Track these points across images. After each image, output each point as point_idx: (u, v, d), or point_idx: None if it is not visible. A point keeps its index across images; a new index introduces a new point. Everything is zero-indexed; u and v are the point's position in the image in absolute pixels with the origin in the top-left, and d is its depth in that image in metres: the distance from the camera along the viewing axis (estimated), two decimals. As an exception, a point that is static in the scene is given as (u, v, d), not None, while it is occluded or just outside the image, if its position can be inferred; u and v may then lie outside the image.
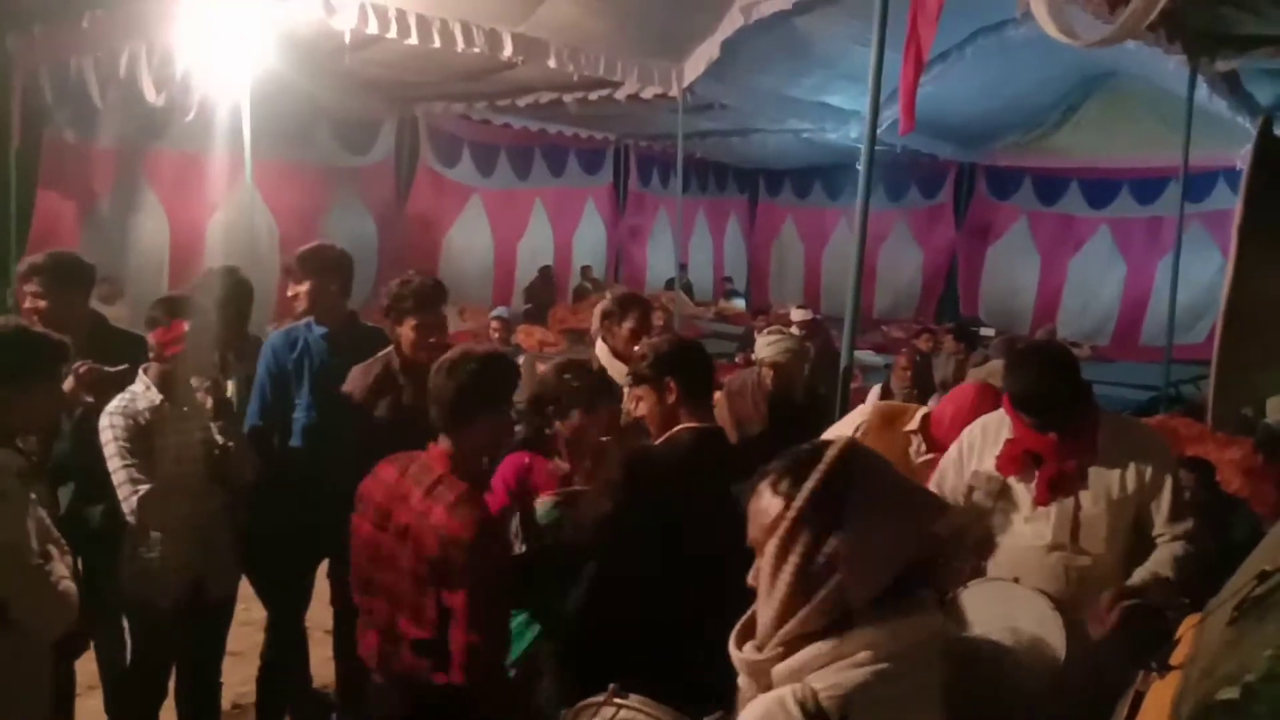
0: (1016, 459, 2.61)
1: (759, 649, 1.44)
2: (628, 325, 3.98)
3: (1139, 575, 2.45)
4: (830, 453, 1.43)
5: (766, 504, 1.43)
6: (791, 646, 1.39)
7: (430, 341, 3.38)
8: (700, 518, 2.37)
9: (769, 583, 1.40)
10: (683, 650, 2.23)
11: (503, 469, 3.09)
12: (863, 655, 1.35)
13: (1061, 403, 2.56)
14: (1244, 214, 1.33)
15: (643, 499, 2.49)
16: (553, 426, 3.09)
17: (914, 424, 3.33)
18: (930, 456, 3.16)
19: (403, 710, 2.50)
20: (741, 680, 1.49)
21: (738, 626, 1.51)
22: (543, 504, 2.98)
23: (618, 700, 1.89)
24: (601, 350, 4.01)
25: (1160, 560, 2.48)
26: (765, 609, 1.42)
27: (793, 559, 1.37)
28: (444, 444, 2.47)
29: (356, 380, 3.48)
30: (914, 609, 1.40)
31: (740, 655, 1.46)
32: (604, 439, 3.05)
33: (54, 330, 2.75)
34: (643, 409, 2.65)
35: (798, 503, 1.39)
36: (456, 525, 2.31)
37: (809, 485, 1.39)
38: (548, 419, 3.10)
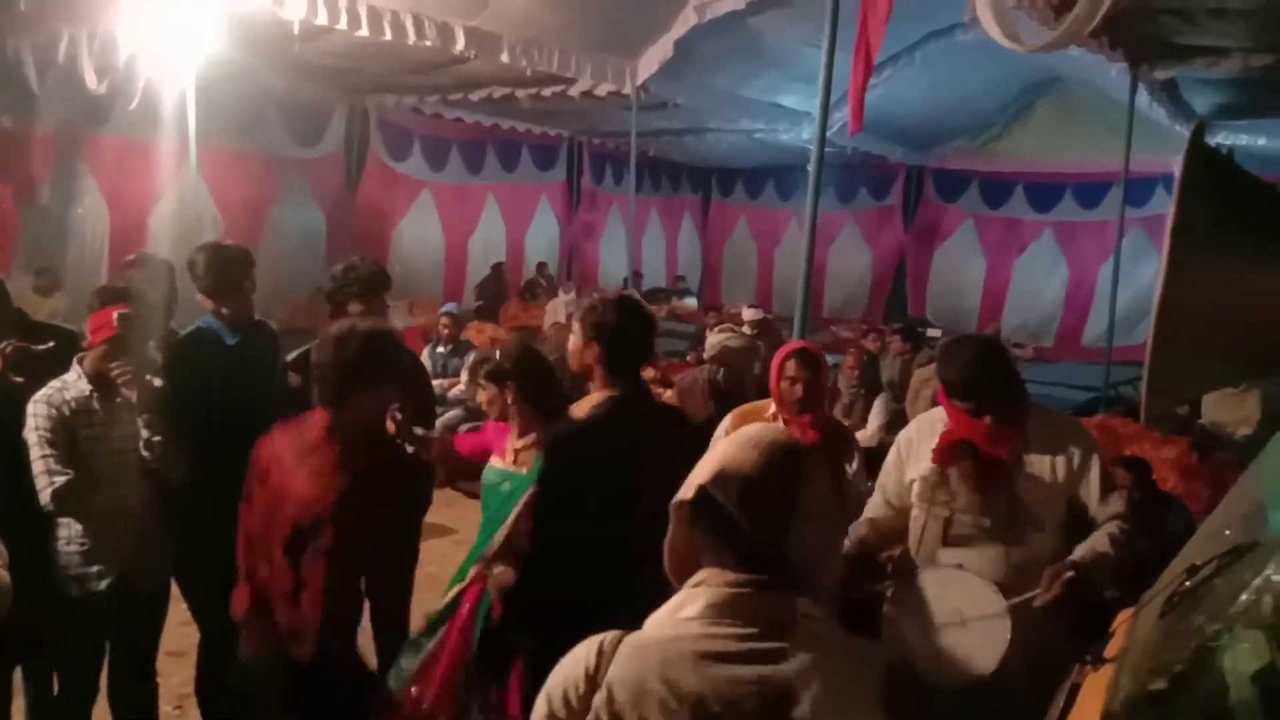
0: (953, 448, 2.66)
1: None
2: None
3: (1079, 551, 2.53)
4: None
5: None
6: None
7: None
8: (613, 485, 2.41)
9: None
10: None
11: (486, 428, 3.29)
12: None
13: (993, 385, 2.63)
14: (1177, 216, 1.37)
15: (558, 473, 2.53)
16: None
17: (769, 412, 3.44)
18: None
19: (265, 676, 2.53)
20: None
21: None
22: (488, 468, 3.12)
23: None
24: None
25: (1098, 539, 2.56)
26: None
27: None
28: (323, 414, 2.50)
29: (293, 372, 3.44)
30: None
31: None
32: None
33: None
34: (574, 360, 2.70)
35: None
36: (316, 493, 2.35)
37: None
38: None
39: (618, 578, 2.28)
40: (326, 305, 3.76)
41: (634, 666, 1.36)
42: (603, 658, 1.39)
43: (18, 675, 3.48)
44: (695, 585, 1.42)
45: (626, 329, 2.59)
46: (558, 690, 1.43)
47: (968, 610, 2.50)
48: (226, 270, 3.40)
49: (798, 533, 1.40)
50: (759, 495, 1.38)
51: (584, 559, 2.39)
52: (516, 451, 3.08)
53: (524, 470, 2.99)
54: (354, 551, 2.42)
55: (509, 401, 3.00)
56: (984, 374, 2.63)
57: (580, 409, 2.60)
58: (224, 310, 3.38)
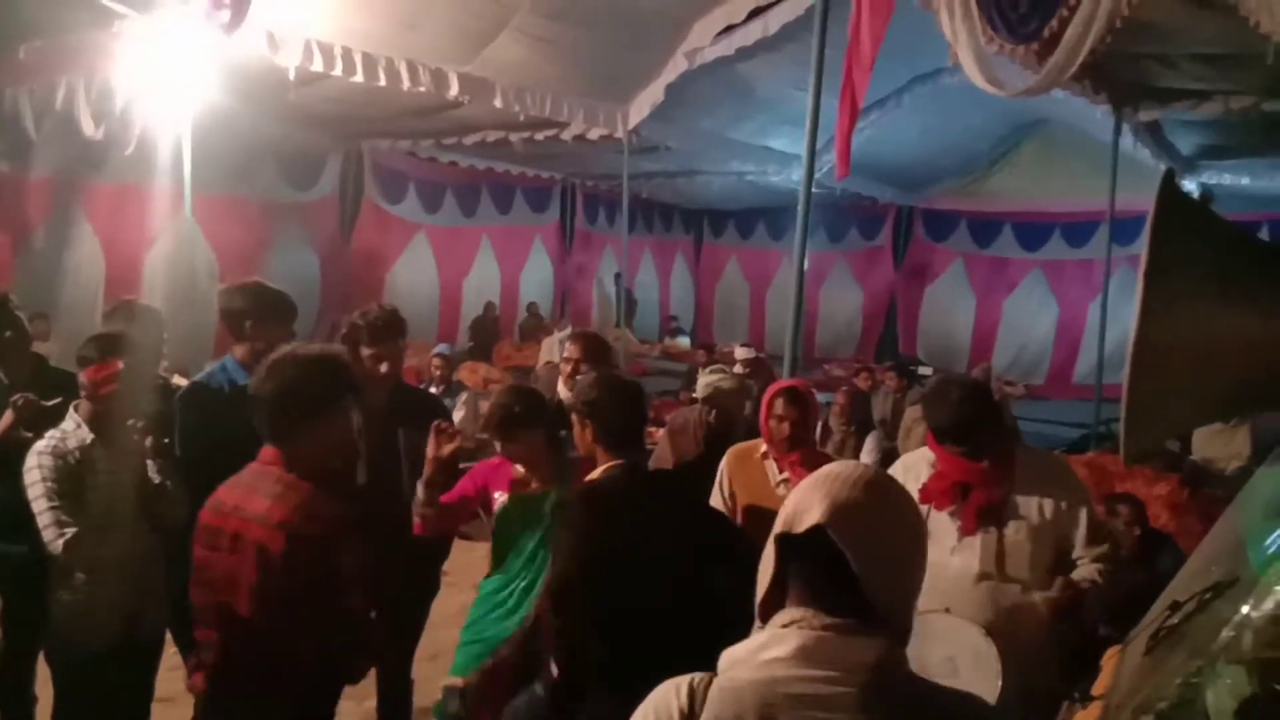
0: (946, 491, 2.68)
1: None
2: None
3: (1076, 574, 2.56)
4: None
5: None
6: None
7: (382, 371, 3.39)
8: (636, 550, 2.44)
9: None
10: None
11: (474, 470, 3.27)
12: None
13: (987, 427, 2.65)
14: (1149, 259, 1.40)
15: (573, 546, 2.54)
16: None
17: (761, 450, 3.46)
18: (785, 476, 3.28)
19: None
20: None
21: None
22: (500, 501, 3.14)
23: None
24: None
25: (1088, 568, 2.58)
26: None
27: None
28: (270, 451, 2.37)
29: None
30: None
31: None
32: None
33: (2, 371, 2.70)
34: (580, 446, 2.77)
35: None
36: (281, 511, 2.21)
37: None
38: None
39: (645, 641, 2.32)
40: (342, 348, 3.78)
41: (731, 709, 1.34)
42: (695, 698, 1.37)
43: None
44: (785, 625, 1.38)
45: (613, 402, 2.66)
46: None
47: (959, 658, 2.49)
48: (276, 310, 3.44)
49: (905, 573, 1.40)
50: (873, 537, 1.36)
51: (616, 625, 2.42)
52: (533, 479, 3.13)
53: (549, 486, 3.09)
54: (306, 591, 2.25)
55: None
56: (977, 416, 2.65)
57: (592, 479, 2.65)
58: (247, 350, 3.37)
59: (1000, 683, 2.41)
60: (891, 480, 1.50)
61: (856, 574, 1.34)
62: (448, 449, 3.06)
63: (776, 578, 1.44)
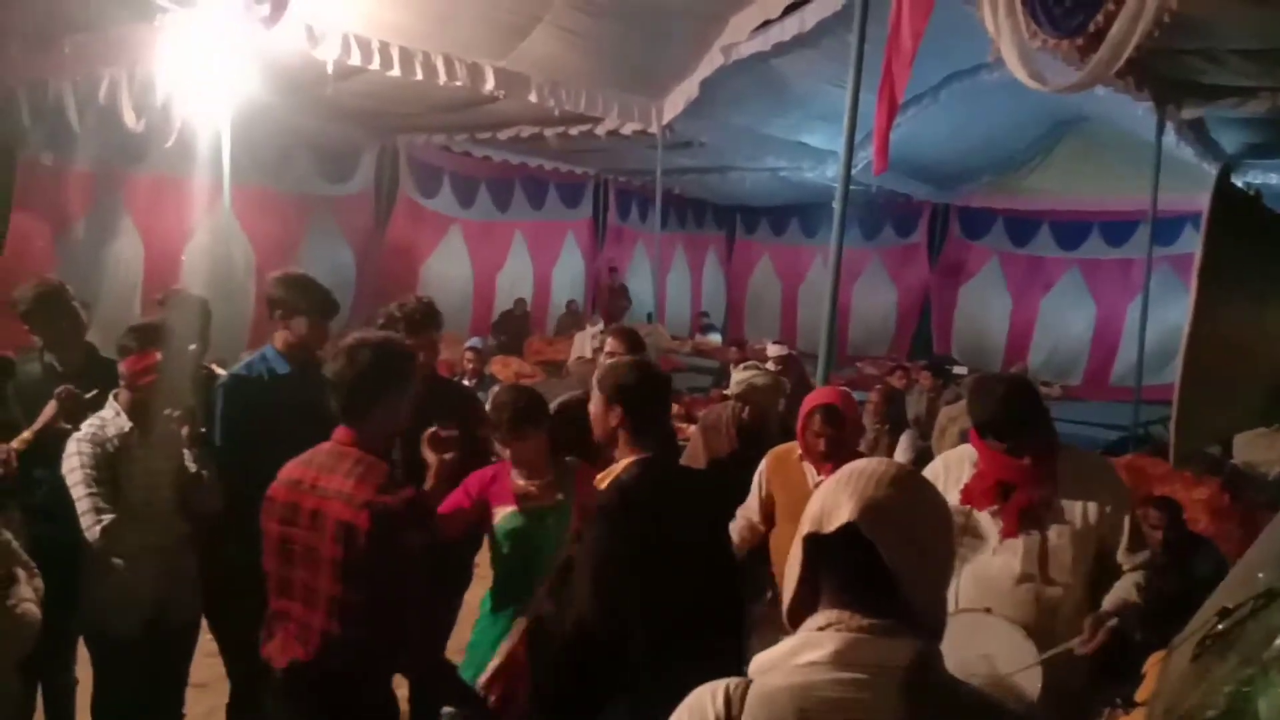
0: (989, 490, 2.64)
1: None
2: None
3: (1110, 601, 2.50)
4: None
5: None
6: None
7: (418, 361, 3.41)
8: (660, 547, 2.39)
9: None
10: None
11: (467, 480, 3.13)
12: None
13: (1031, 424, 2.62)
14: (1203, 257, 1.36)
15: (609, 540, 2.48)
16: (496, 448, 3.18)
17: (799, 452, 3.44)
18: (823, 478, 3.23)
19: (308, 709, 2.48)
20: None
21: None
22: (502, 515, 3.03)
23: None
24: None
25: (1126, 588, 2.54)
26: None
27: None
28: (344, 431, 2.49)
29: None
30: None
31: None
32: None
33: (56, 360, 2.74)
34: (597, 427, 2.63)
35: None
36: (366, 490, 2.33)
37: None
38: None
39: (664, 639, 2.30)
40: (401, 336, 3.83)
41: (768, 713, 1.32)
42: (731, 704, 1.34)
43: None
44: (821, 629, 1.35)
45: (647, 389, 2.57)
46: None
47: (998, 658, 2.46)
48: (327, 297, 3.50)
49: (940, 572, 1.38)
50: (908, 536, 1.34)
51: (635, 623, 2.38)
52: (537, 488, 3.05)
53: (555, 497, 3.01)
54: (389, 568, 2.37)
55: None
56: (1021, 413, 2.62)
57: (614, 474, 2.54)
58: (290, 339, 3.41)
59: (1039, 685, 2.38)
60: (916, 475, 1.48)
61: (890, 570, 1.32)
62: (446, 456, 2.94)
63: (805, 578, 1.42)
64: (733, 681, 1.37)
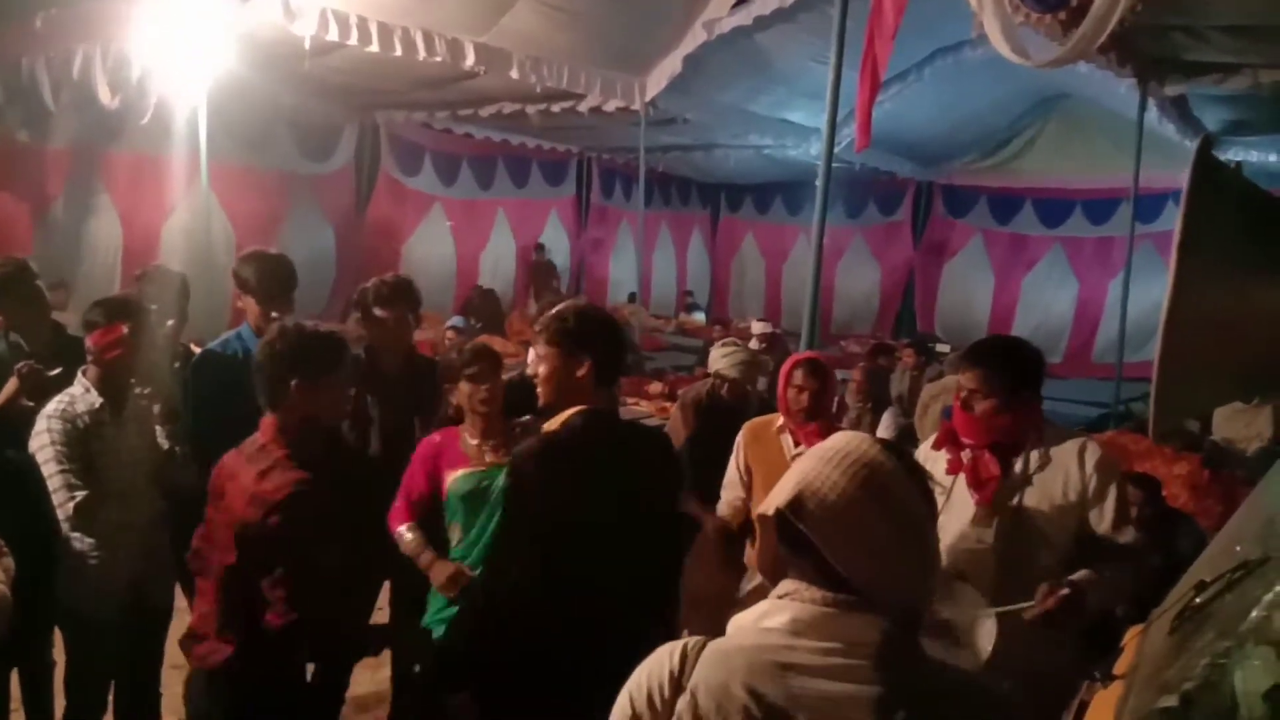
0: (946, 434, 2.68)
1: None
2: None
3: (1079, 574, 2.50)
4: None
5: None
6: None
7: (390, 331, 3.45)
8: (588, 508, 2.27)
9: None
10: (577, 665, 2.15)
11: (417, 453, 3.13)
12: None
13: (1017, 362, 2.63)
14: (1182, 231, 1.35)
15: (527, 495, 2.30)
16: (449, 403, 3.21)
17: (777, 424, 3.48)
18: (801, 449, 3.29)
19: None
20: None
21: None
22: (454, 477, 3.02)
23: None
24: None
25: (1101, 564, 2.52)
26: None
27: None
28: (267, 418, 2.55)
29: None
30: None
31: None
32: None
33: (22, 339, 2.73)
34: (545, 371, 2.40)
35: None
36: (267, 488, 2.40)
37: None
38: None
39: (589, 609, 2.19)
40: (356, 314, 3.85)
41: (718, 672, 1.35)
42: (686, 661, 1.38)
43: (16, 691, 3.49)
44: (781, 596, 1.38)
45: (614, 337, 2.45)
46: (641, 691, 1.41)
47: (958, 624, 2.45)
48: (281, 278, 3.54)
49: (883, 556, 1.35)
50: (839, 521, 1.33)
51: (553, 589, 2.22)
52: (492, 448, 3.05)
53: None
54: (311, 557, 2.43)
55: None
56: (1006, 347, 2.68)
57: (553, 424, 2.35)
58: (273, 316, 3.41)
59: (986, 656, 2.35)
60: (885, 459, 1.40)
61: (826, 557, 1.33)
62: None
63: (764, 547, 1.45)
64: (692, 639, 1.41)
